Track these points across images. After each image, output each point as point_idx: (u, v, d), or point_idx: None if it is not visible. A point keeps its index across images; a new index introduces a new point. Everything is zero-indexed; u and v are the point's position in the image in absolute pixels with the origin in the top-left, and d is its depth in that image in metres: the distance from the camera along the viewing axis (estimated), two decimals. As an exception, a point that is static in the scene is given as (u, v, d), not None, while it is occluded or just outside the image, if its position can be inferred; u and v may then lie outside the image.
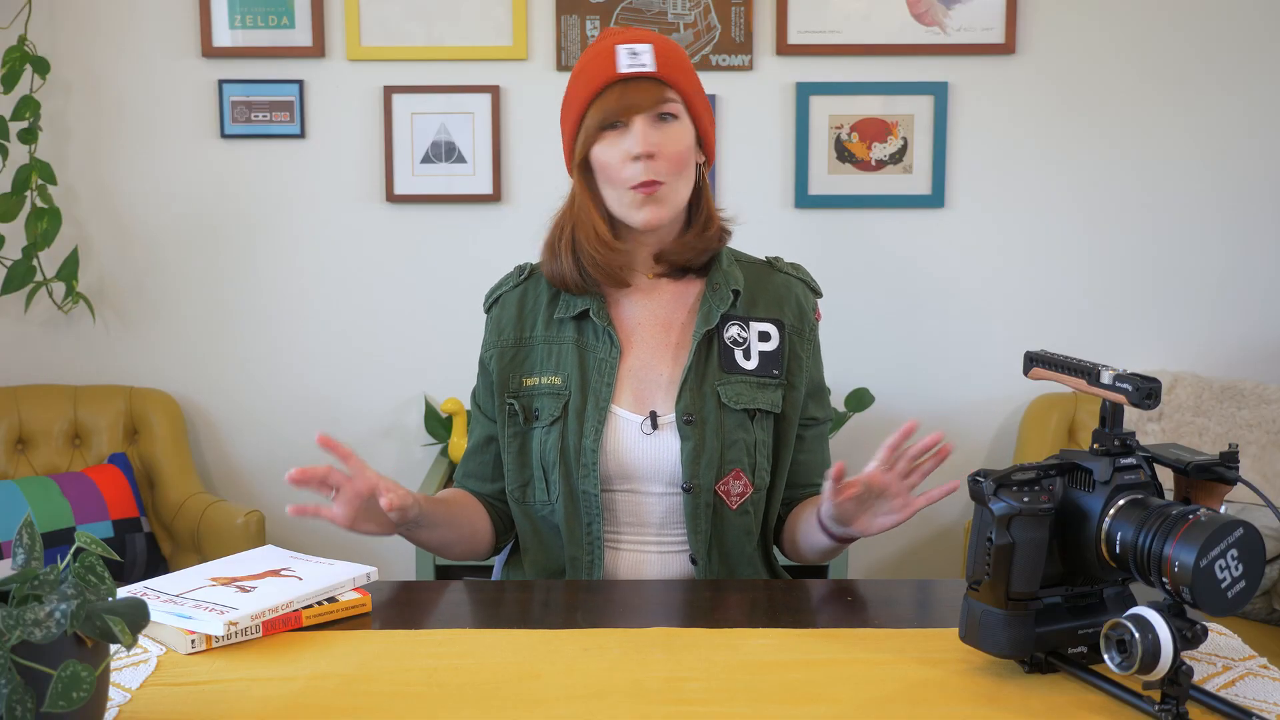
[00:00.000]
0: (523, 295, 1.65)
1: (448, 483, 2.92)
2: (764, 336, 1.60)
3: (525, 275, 1.67)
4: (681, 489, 1.55)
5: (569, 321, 1.61)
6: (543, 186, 2.98)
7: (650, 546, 1.58)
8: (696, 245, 1.59)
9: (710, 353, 1.58)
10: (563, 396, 1.57)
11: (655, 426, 1.55)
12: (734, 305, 1.60)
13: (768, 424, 1.59)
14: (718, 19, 2.94)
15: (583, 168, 1.56)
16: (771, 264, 1.68)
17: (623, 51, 1.52)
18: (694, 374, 1.56)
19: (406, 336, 3.06)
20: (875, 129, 2.99)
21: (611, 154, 1.52)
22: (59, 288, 2.95)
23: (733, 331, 1.59)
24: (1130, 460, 1.14)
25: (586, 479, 1.55)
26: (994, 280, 3.05)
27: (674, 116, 1.53)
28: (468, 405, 2.98)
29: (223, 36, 2.96)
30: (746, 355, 1.59)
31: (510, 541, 1.71)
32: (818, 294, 1.69)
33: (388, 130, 2.97)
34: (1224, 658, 1.21)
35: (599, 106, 1.52)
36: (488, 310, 1.68)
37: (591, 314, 1.59)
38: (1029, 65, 2.98)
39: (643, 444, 1.55)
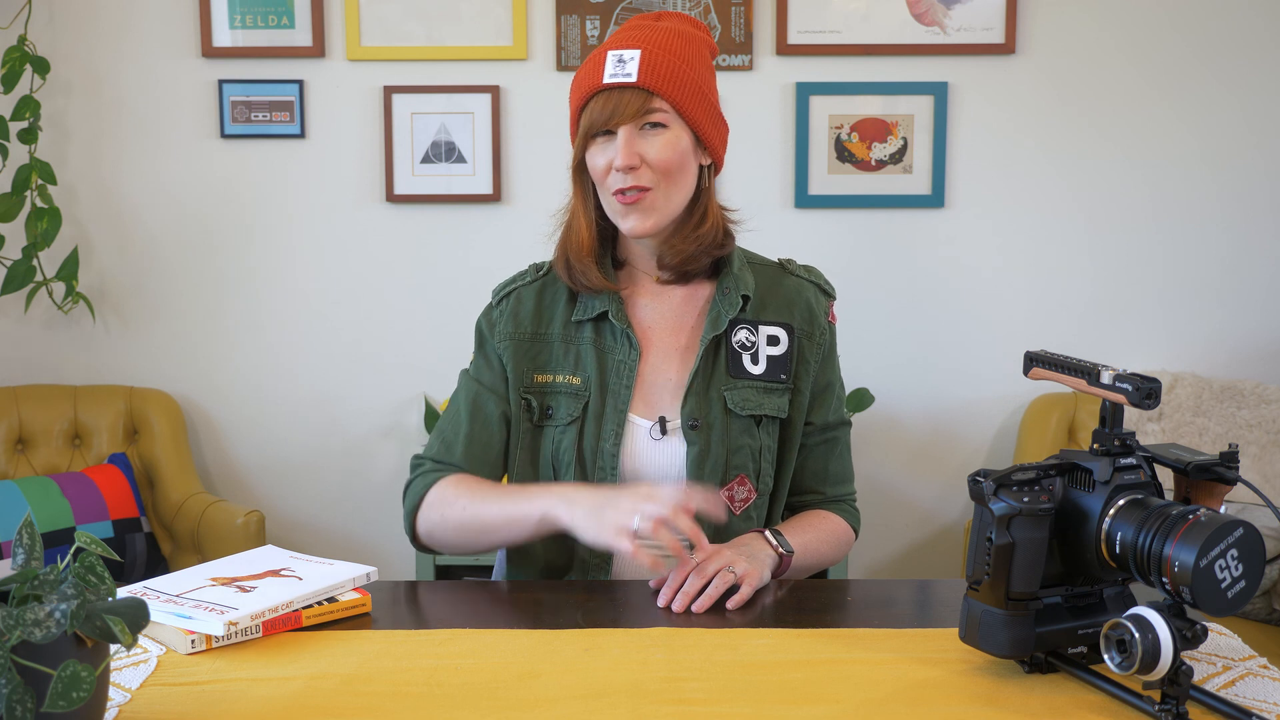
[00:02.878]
0: (541, 290, 1.62)
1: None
2: (773, 340, 1.58)
3: (543, 272, 1.64)
4: None
5: (587, 323, 1.59)
6: (543, 186, 2.99)
7: (658, 550, 1.57)
8: (689, 246, 1.56)
9: (718, 357, 1.57)
10: (582, 398, 1.55)
11: (664, 432, 1.54)
12: (743, 310, 1.58)
13: (774, 429, 1.58)
14: (718, 19, 2.94)
15: (580, 170, 1.56)
16: (784, 266, 1.66)
17: (611, 59, 1.50)
18: (700, 379, 1.55)
19: (406, 336, 3.06)
20: (875, 129, 2.99)
21: (599, 160, 1.52)
22: (59, 288, 2.95)
23: (741, 336, 1.57)
24: (1130, 460, 1.14)
25: (604, 482, 1.53)
26: (994, 280, 3.05)
27: (662, 125, 1.50)
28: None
29: (223, 36, 2.96)
30: (754, 360, 1.57)
31: None
32: (830, 296, 1.66)
33: (388, 130, 2.97)
34: (1224, 658, 1.21)
35: (588, 114, 1.52)
36: (498, 302, 1.63)
37: (610, 315, 1.57)
38: (1029, 65, 2.98)
39: (652, 449, 1.55)
